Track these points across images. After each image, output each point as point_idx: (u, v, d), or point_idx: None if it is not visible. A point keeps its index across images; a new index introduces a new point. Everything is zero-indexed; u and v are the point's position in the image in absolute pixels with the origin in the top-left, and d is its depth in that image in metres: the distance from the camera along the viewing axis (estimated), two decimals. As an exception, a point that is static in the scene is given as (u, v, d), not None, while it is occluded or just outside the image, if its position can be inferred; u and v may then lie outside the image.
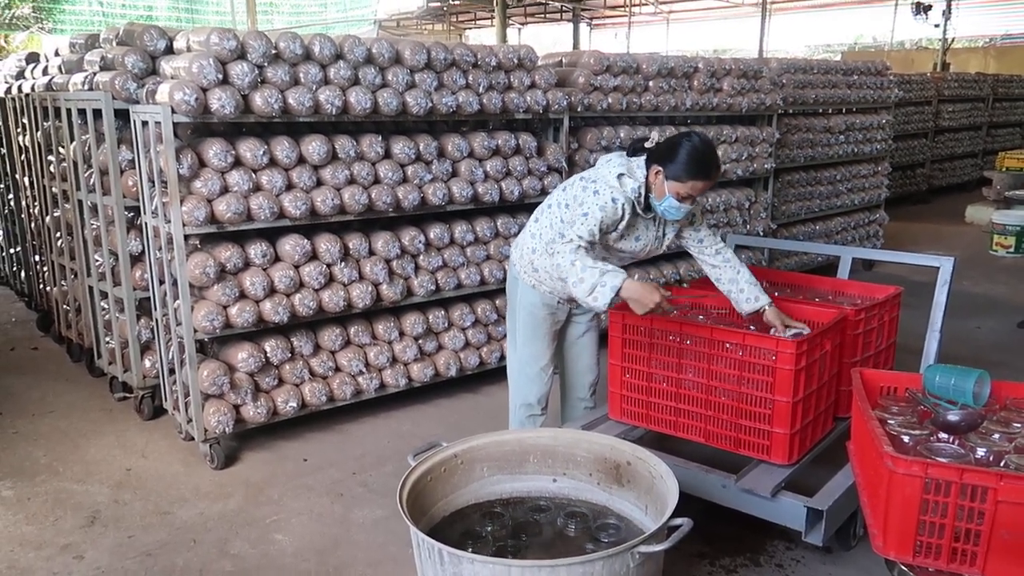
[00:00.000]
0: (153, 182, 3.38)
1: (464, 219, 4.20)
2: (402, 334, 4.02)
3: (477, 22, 25.62)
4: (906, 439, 2.02)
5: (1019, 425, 2.08)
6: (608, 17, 25.90)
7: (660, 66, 4.96)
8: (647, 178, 2.64)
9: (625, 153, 2.75)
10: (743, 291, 2.87)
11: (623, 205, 2.60)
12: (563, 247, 2.55)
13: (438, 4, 21.04)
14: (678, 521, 2.03)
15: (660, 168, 2.58)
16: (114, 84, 3.51)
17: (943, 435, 2.04)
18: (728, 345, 2.73)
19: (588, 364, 3.16)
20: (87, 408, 4.12)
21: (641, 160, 2.67)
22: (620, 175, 2.64)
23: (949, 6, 15.07)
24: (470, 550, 2.00)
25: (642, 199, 2.66)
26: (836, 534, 2.65)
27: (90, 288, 4.15)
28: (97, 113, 3.63)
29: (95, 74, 3.79)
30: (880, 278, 6.52)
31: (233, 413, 3.46)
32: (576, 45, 24.73)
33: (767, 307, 2.84)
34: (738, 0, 20.94)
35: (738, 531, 2.89)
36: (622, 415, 3.11)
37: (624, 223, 2.65)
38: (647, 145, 2.69)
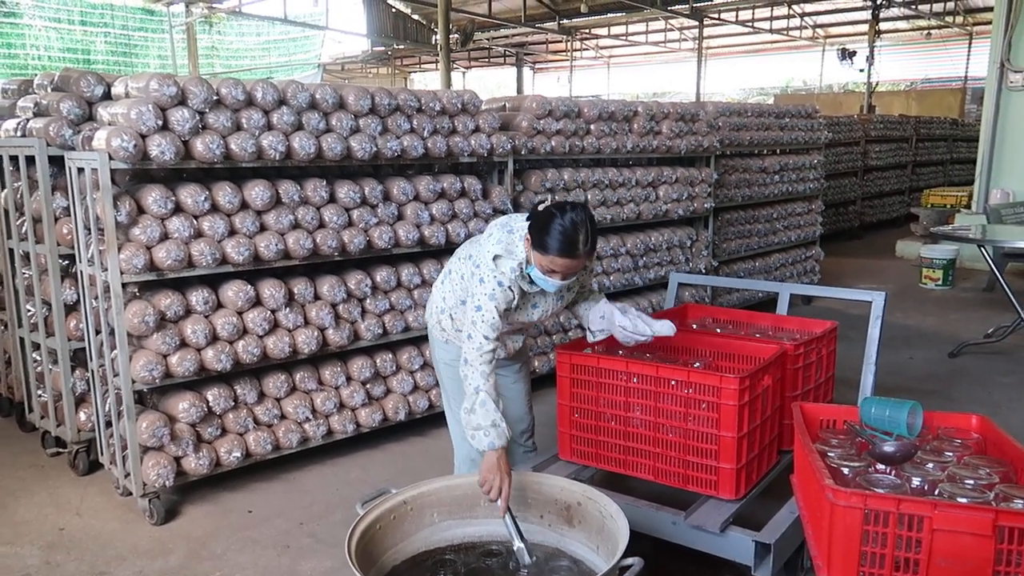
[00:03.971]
0: (89, 229, 3.30)
1: (411, 262, 4.20)
2: (349, 379, 3.97)
3: (422, 66, 25.95)
4: (846, 471, 2.08)
5: (951, 454, 2.16)
6: (551, 61, 26.54)
7: (601, 110, 5.10)
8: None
9: (525, 216, 2.57)
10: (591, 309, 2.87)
11: (510, 287, 2.50)
12: (475, 355, 2.45)
13: (382, 49, 21.25)
14: (629, 561, 2.04)
15: (529, 237, 2.46)
16: (48, 130, 3.44)
17: (880, 466, 2.11)
18: (673, 382, 2.78)
19: (520, 415, 3.06)
20: (16, 465, 3.93)
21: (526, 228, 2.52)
22: (496, 256, 2.50)
23: (872, 52, 15.89)
24: (421, 600, 1.96)
25: (524, 275, 2.54)
26: (784, 567, 2.69)
27: (21, 340, 4.00)
28: (30, 160, 3.54)
29: (28, 120, 3.70)
30: (818, 312, 6.75)
31: (174, 465, 3.35)
32: (520, 89, 25.25)
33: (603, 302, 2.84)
34: (675, 45, 21.70)
35: (690, 568, 2.91)
36: (572, 455, 3.11)
37: (515, 301, 2.56)
38: (539, 209, 2.50)
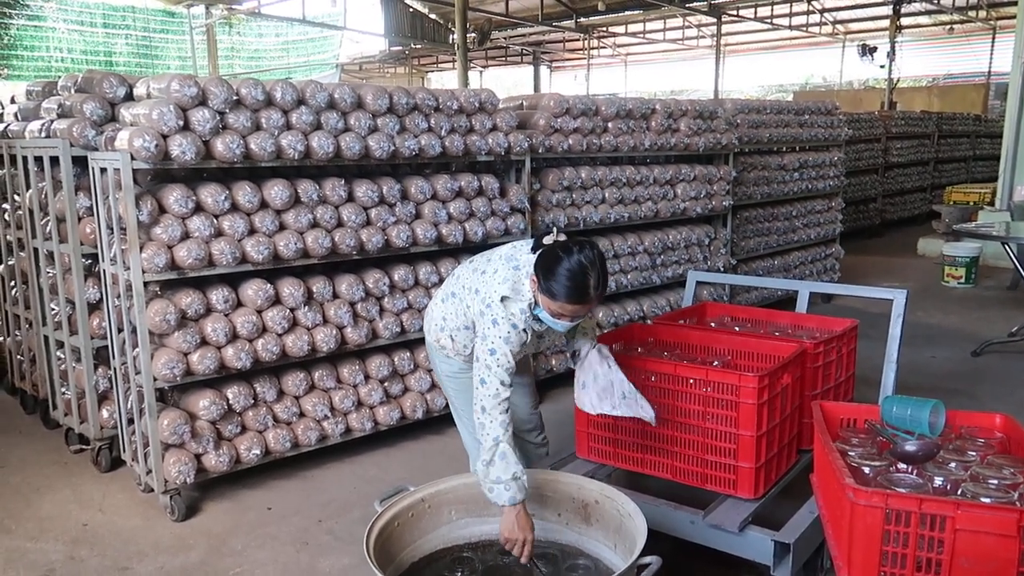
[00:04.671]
0: (112, 229, 3.34)
1: (428, 260, 4.21)
2: (367, 377, 3.99)
3: (439, 65, 26.00)
4: (866, 470, 2.06)
5: (974, 453, 2.14)
6: (568, 60, 26.48)
7: (618, 108, 5.08)
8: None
9: (531, 246, 2.46)
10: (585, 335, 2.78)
11: (524, 329, 2.40)
12: (493, 403, 2.34)
13: (400, 48, 21.31)
14: (647, 559, 2.04)
15: (536, 279, 2.34)
16: (72, 131, 3.48)
17: (902, 465, 2.08)
18: (692, 381, 2.77)
19: (525, 414, 3.00)
20: (41, 462, 3.99)
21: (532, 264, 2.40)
22: (504, 298, 2.39)
23: (893, 48, 15.71)
24: (439, 597, 1.97)
25: (532, 314, 2.43)
26: (804, 567, 2.67)
27: (45, 338, 4.06)
28: (54, 160, 3.59)
29: (52, 121, 3.76)
30: (838, 311, 6.68)
31: (194, 463, 3.39)
32: (537, 87, 25.23)
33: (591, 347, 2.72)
34: (693, 43, 21.58)
35: (708, 567, 2.89)
36: (589, 453, 3.11)
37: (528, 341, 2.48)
38: (545, 242, 2.37)
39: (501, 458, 2.30)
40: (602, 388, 2.68)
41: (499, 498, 2.29)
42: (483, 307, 2.44)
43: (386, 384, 4.05)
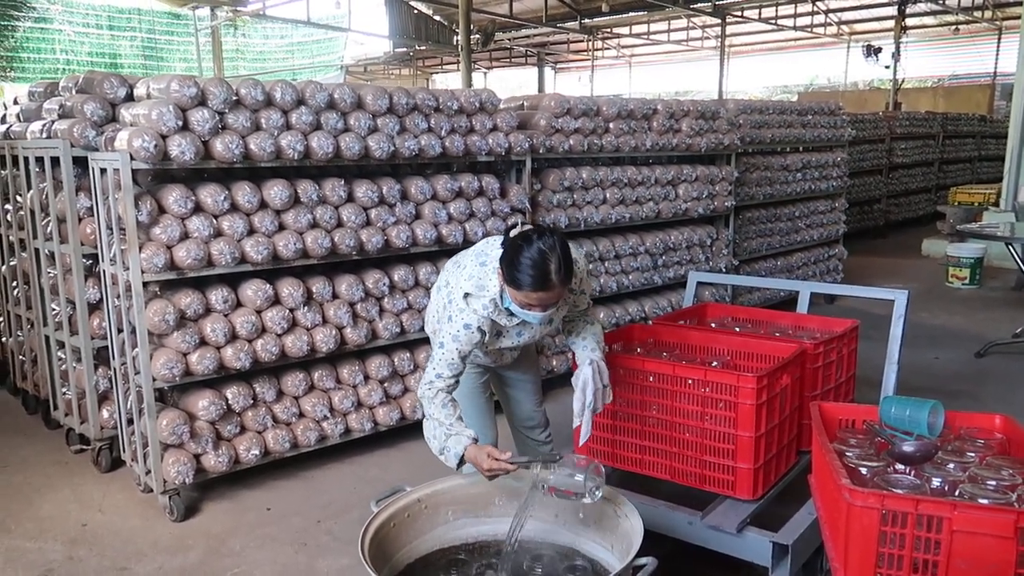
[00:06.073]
0: (112, 229, 3.34)
1: (428, 261, 4.21)
2: (367, 378, 3.99)
3: (443, 67, 26.02)
4: (864, 471, 2.05)
5: (973, 454, 2.12)
6: (572, 61, 26.49)
7: (620, 108, 5.07)
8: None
9: (502, 240, 2.40)
10: (585, 342, 2.69)
11: (478, 328, 2.40)
12: (425, 390, 2.42)
13: (404, 50, 21.34)
14: (643, 560, 2.03)
15: (501, 271, 2.32)
16: (72, 132, 3.49)
17: (899, 466, 2.07)
18: (690, 381, 2.75)
19: (528, 412, 3.02)
20: (42, 462, 4.00)
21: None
22: (467, 295, 2.40)
23: (898, 48, 15.67)
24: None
25: (502, 308, 2.41)
26: (803, 569, 2.65)
27: (46, 338, 4.06)
28: (55, 161, 3.60)
29: (53, 122, 3.77)
30: (841, 312, 6.66)
31: (193, 463, 3.39)
32: (541, 89, 25.22)
33: (588, 363, 2.61)
34: (698, 44, 21.55)
35: (707, 569, 2.88)
36: (588, 454, 3.09)
37: (488, 333, 2.45)
38: (512, 235, 2.34)
39: (432, 432, 2.43)
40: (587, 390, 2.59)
41: (454, 458, 2.36)
42: (447, 301, 2.52)
43: (386, 384, 4.04)
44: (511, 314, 2.43)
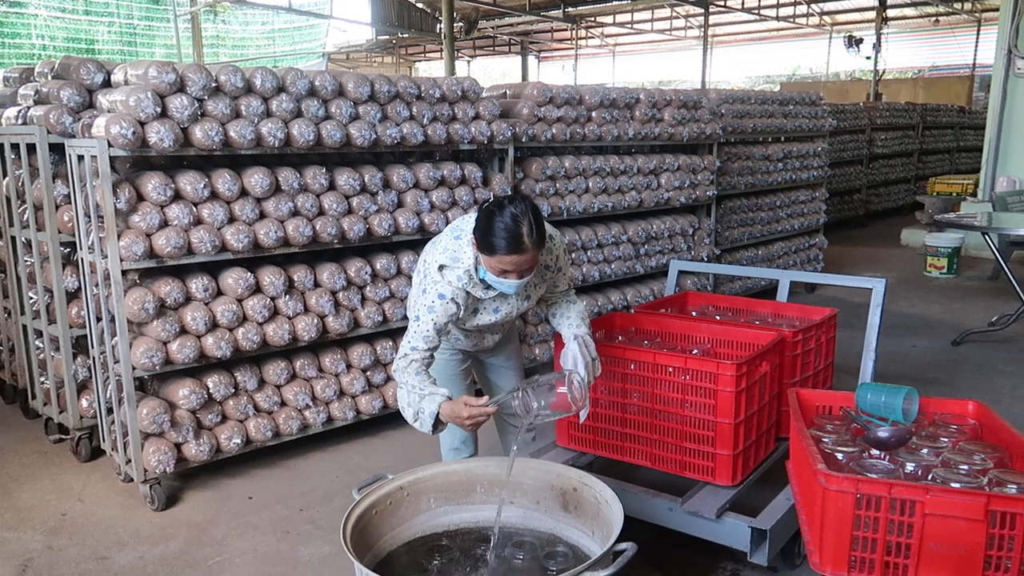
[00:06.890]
0: (89, 217, 3.31)
1: (410, 249, 4.20)
2: (349, 366, 3.98)
3: (427, 55, 25.88)
4: (839, 456, 2.08)
5: (946, 440, 2.16)
6: (556, 50, 26.43)
7: (602, 97, 5.08)
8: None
9: (475, 216, 2.42)
10: (569, 319, 2.69)
11: (452, 300, 2.41)
12: (399, 362, 2.43)
13: (387, 37, 21.19)
14: (623, 546, 2.05)
15: (475, 240, 2.35)
16: (49, 118, 3.45)
17: (875, 451, 2.10)
18: (671, 369, 2.78)
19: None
20: (20, 451, 3.97)
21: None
22: (441, 267, 2.42)
23: (879, 40, 15.76)
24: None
25: (476, 280, 2.43)
26: (781, 553, 2.69)
27: (24, 327, 4.02)
28: (31, 148, 3.55)
29: (29, 108, 3.71)
30: (822, 300, 6.73)
31: (174, 452, 3.37)
32: (524, 77, 25.16)
33: (573, 338, 2.61)
34: (681, 33, 21.58)
35: (687, 554, 2.91)
36: (570, 442, 3.12)
37: (465, 308, 2.47)
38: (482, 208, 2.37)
39: (405, 400, 2.42)
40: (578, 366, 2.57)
41: (428, 420, 2.37)
42: (422, 276, 2.52)
43: (368, 373, 4.04)
44: (487, 286, 2.45)
